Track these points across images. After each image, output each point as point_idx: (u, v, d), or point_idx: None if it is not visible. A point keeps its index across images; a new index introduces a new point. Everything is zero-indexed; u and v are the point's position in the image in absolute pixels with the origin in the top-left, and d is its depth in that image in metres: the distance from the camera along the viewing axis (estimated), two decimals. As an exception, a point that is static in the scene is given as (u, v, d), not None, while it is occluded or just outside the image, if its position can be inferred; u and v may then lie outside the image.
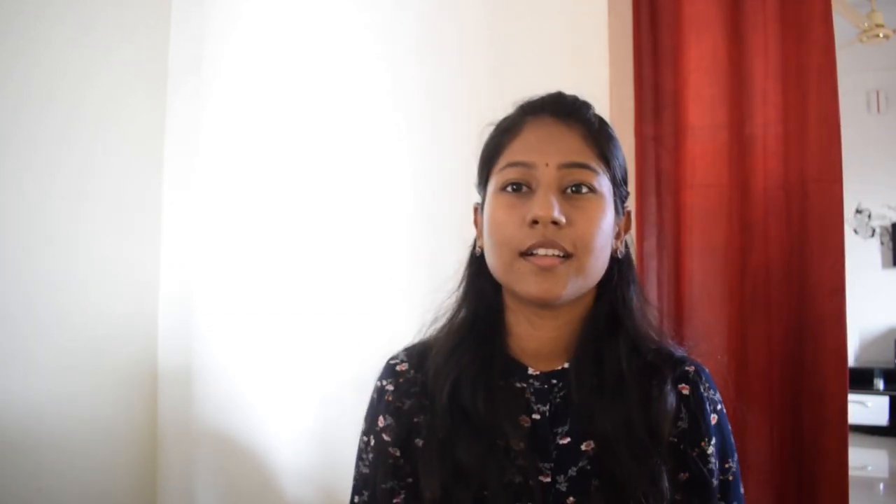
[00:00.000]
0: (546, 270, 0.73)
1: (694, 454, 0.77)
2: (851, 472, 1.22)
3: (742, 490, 0.78)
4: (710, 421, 0.78)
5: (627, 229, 0.84)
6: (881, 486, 4.00)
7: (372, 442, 0.83)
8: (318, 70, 1.61)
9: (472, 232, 0.87)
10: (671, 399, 0.76)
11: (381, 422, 0.83)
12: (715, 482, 0.76)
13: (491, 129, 0.85)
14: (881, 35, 3.71)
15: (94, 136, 1.63)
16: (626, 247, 0.84)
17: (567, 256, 0.73)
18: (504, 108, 0.86)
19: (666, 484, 0.72)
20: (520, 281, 0.74)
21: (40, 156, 1.52)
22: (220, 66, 1.75)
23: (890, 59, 5.09)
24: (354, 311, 1.54)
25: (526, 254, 0.73)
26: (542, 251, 0.73)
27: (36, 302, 1.51)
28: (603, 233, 0.75)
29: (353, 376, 1.49)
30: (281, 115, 1.65)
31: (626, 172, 0.83)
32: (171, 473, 1.73)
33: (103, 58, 1.65)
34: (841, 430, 1.22)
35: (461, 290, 0.86)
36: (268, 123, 1.67)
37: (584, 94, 0.85)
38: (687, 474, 0.76)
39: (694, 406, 0.78)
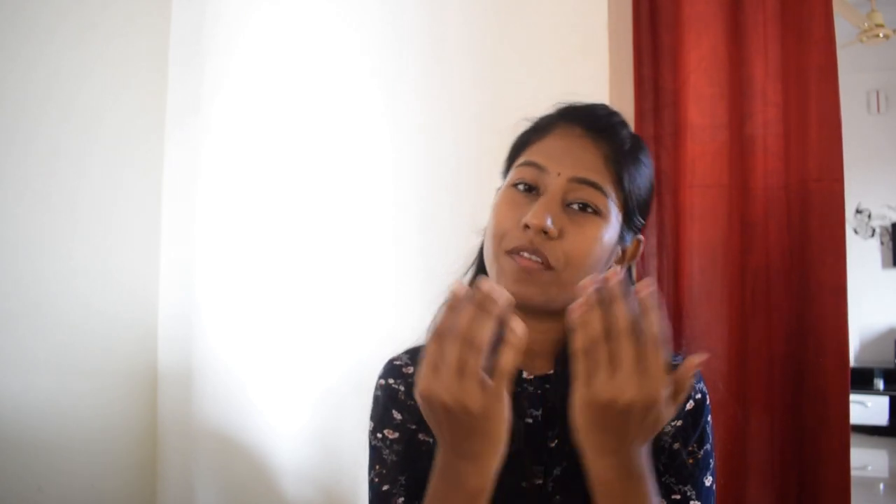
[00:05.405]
0: (524, 271, 0.74)
1: (663, 435, 0.78)
2: (852, 473, 1.22)
3: (708, 484, 0.77)
4: (684, 406, 0.78)
5: (634, 257, 0.84)
6: (881, 486, 4.01)
7: (394, 434, 0.82)
8: (313, 81, 1.61)
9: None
10: None
11: (396, 416, 0.82)
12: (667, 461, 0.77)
13: (527, 123, 0.85)
14: (881, 35, 3.72)
15: (94, 135, 1.63)
16: (629, 275, 0.84)
17: (549, 267, 0.74)
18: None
19: None
20: (499, 275, 0.76)
21: (40, 155, 1.52)
22: (226, 61, 1.75)
23: (890, 59, 5.10)
24: (352, 311, 1.54)
25: (511, 252, 0.75)
26: (525, 254, 0.74)
27: (36, 302, 1.51)
28: (593, 254, 0.75)
29: (353, 376, 1.50)
30: (280, 120, 1.65)
31: (645, 203, 0.82)
32: (171, 473, 1.73)
33: (103, 54, 1.65)
34: (843, 431, 1.21)
35: (471, 274, 0.87)
36: (267, 127, 1.67)
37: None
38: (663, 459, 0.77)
39: None
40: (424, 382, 0.61)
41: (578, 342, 0.59)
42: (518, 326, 0.60)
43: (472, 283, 0.85)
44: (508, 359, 0.60)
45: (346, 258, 1.55)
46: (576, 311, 0.60)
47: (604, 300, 0.59)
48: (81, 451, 1.57)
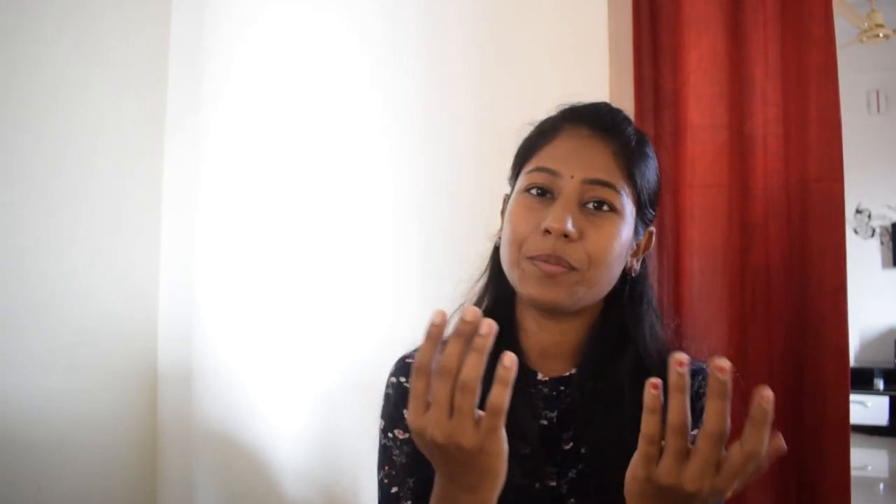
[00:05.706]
0: (549, 277, 0.74)
1: None
2: (852, 473, 1.22)
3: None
4: (694, 409, 0.78)
5: (647, 248, 0.85)
6: (881, 486, 4.01)
7: (405, 435, 0.81)
8: (313, 82, 1.61)
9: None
10: None
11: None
12: None
13: (530, 127, 0.85)
14: (881, 35, 3.72)
15: (96, 136, 1.63)
16: (644, 266, 0.85)
17: (572, 269, 0.74)
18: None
19: None
20: (523, 281, 0.76)
21: (42, 155, 1.52)
22: (226, 61, 1.75)
23: (890, 59, 5.10)
24: (352, 311, 1.54)
25: (533, 258, 0.75)
26: (548, 263, 0.74)
27: (36, 301, 1.50)
28: (613, 251, 0.75)
29: (353, 375, 1.50)
30: (280, 120, 1.65)
31: (655, 194, 0.83)
32: (171, 473, 1.73)
33: (104, 55, 1.65)
34: (842, 431, 1.21)
35: (484, 280, 0.87)
36: (267, 128, 1.67)
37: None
38: None
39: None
40: (415, 419, 0.59)
41: (649, 429, 0.56)
42: (507, 359, 0.56)
43: (485, 289, 0.86)
44: (501, 396, 0.56)
45: (346, 258, 1.55)
46: (653, 394, 0.55)
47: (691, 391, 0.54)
48: (81, 451, 1.57)
